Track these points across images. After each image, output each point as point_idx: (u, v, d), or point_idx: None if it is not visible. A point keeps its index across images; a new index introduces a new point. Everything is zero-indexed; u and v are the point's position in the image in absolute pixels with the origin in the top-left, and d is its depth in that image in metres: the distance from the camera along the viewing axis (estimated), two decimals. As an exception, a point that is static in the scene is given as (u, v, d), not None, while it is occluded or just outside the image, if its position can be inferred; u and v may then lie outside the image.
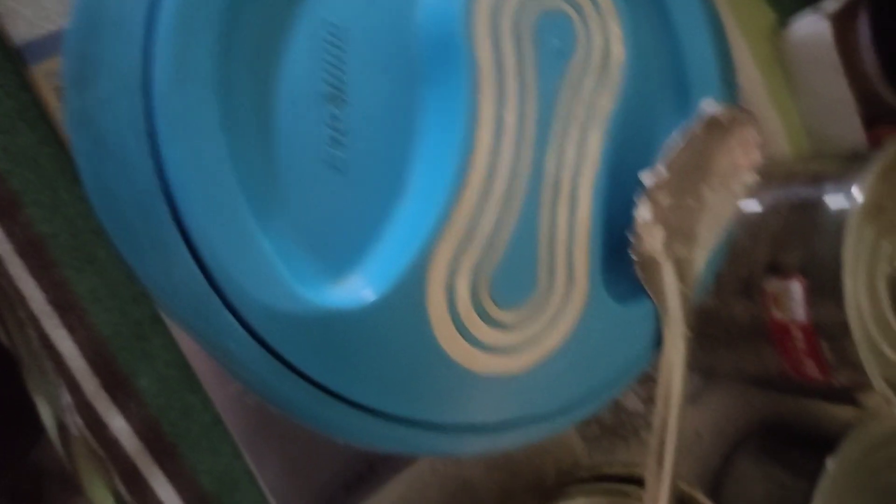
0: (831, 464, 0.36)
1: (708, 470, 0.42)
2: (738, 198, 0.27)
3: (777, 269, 0.34)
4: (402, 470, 0.35)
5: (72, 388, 0.30)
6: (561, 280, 0.23)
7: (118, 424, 0.30)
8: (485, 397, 0.23)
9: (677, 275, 0.26)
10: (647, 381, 0.40)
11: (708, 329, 0.38)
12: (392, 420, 0.22)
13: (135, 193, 0.19)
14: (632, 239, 0.24)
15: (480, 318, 0.22)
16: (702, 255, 0.27)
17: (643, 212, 0.24)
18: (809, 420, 0.44)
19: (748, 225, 0.36)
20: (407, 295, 0.21)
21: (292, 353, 0.20)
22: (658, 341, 0.26)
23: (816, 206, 0.33)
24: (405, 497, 0.35)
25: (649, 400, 0.41)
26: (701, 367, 0.42)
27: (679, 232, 0.25)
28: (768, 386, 0.41)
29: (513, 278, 0.23)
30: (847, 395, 0.36)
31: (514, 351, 0.23)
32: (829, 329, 0.32)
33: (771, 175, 0.37)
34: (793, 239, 0.33)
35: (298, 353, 0.20)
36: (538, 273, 0.23)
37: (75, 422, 0.30)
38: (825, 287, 0.32)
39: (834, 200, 0.32)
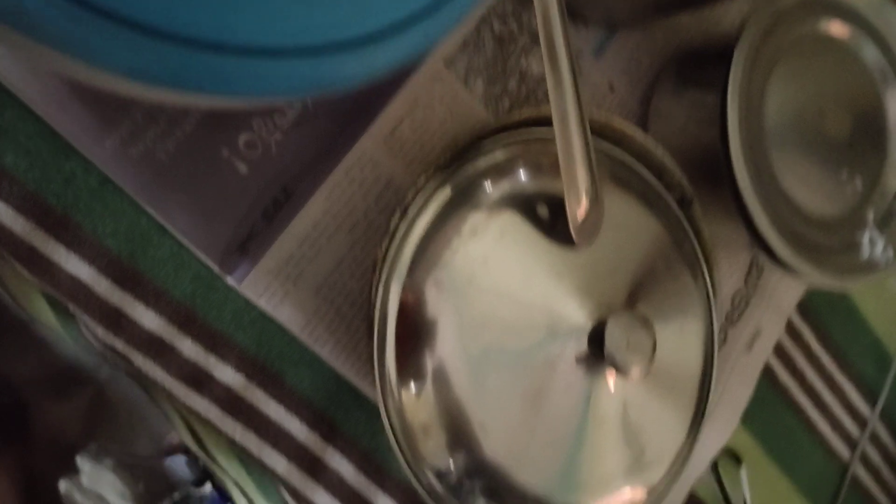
0: (737, 56, 0.35)
1: (629, 118, 0.42)
2: None
3: None
4: (318, 185, 0.33)
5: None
6: None
7: (-4, 208, 0.28)
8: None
9: None
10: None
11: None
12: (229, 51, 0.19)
13: None
14: None
15: None
16: None
17: None
18: (716, 37, 0.43)
19: None
20: None
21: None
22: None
23: None
24: (329, 211, 0.33)
25: (553, 61, 0.39)
26: (592, 18, 0.40)
27: None
28: (657, 12, 0.39)
29: None
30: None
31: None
32: None
33: None
34: None
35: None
36: None
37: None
38: None
39: None
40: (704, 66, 0.41)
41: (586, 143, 0.30)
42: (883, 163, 0.40)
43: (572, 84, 0.29)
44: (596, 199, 0.31)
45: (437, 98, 0.35)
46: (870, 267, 0.40)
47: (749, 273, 0.45)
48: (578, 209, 0.30)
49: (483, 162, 0.31)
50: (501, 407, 0.30)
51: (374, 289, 0.29)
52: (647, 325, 0.30)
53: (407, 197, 0.30)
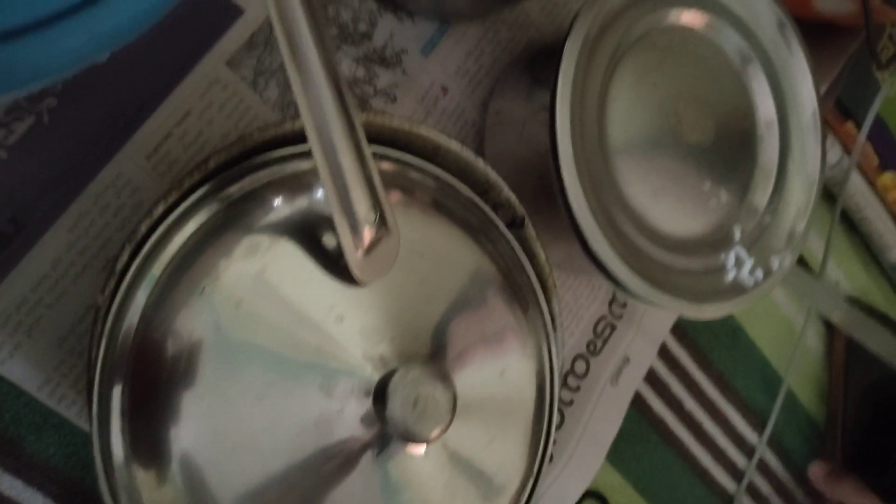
0: (568, 49, 0.30)
1: (465, 125, 0.36)
2: None
3: None
4: (59, 214, 0.27)
5: None
6: None
7: None
8: None
9: None
10: (361, 38, 0.32)
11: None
12: None
13: None
14: None
15: None
16: None
17: None
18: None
19: None
20: None
21: None
22: None
23: None
24: (75, 245, 0.28)
25: (370, 59, 0.34)
26: (421, 8, 0.35)
27: None
28: (494, 3, 0.34)
29: None
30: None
31: None
32: None
33: None
34: None
35: None
36: None
37: None
38: None
39: None
40: (553, 62, 0.36)
41: (362, 161, 0.24)
42: (751, 172, 0.36)
43: (329, 82, 0.23)
44: (385, 227, 0.26)
45: (217, 106, 0.30)
46: (736, 291, 0.35)
47: (614, 298, 0.40)
48: (358, 240, 0.25)
49: (265, 174, 0.26)
50: (273, 493, 0.25)
51: (92, 344, 0.24)
52: (442, 378, 0.25)
53: (146, 220, 0.24)
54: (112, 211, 0.28)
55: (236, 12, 0.30)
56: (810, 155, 0.35)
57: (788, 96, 0.35)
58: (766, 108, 0.35)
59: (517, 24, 0.37)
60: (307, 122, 0.23)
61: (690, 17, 0.34)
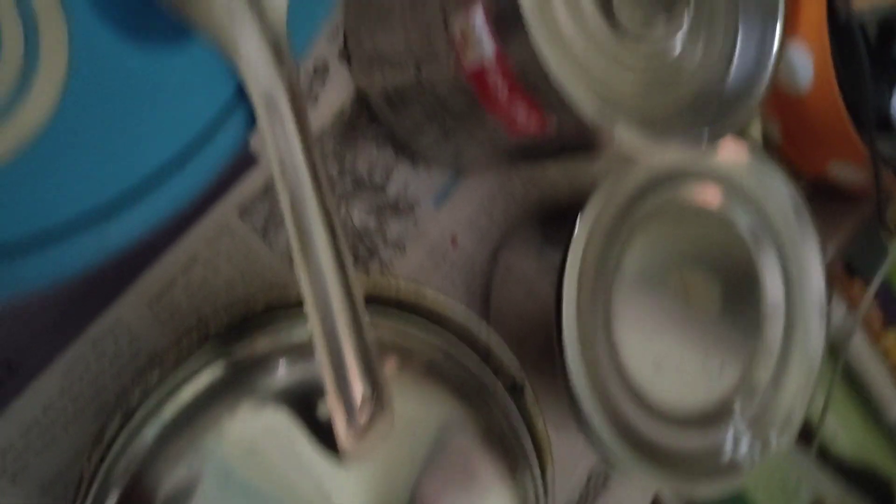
0: (580, 223, 0.30)
1: (474, 277, 0.36)
2: None
3: (458, 1, 0.26)
4: (53, 359, 0.27)
5: None
6: (8, 22, 0.15)
7: None
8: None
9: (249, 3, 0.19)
10: (376, 189, 0.33)
11: (415, 111, 0.31)
12: None
13: None
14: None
15: None
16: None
17: None
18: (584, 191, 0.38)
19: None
20: None
21: None
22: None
23: None
24: (68, 391, 0.27)
25: (382, 210, 0.34)
26: (436, 160, 0.35)
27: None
28: (509, 160, 0.34)
29: None
30: (589, 143, 0.29)
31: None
32: (520, 58, 0.25)
33: None
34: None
35: None
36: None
37: None
38: (507, 7, 0.25)
39: None
40: (565, 222, 0.36)
41: (362, 342, 0.24)
42: (755, 348, 0.35)
43: (331, 249, 0.23)
44: (379, 403, 0.25)
45: (225, 255, 0.30)
46: (732, 467, 0.34)
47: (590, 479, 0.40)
48: (352, 423, 0.25)
49: (265, 342, 0.26)
50: None
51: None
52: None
53: (139, 385, 0.24)
54: (108, 358, 0.28)
55: (251, 161, 0.30)
56: (814, 337, 0.35)
57: (797, 279, 0.35)
58: (774, 287, 0.35)
59: (532, 180, 0.37)
60: (307, 300, 0.23)
61: (706, 193, 0.34)
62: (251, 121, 0.19)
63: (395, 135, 0.34)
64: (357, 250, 0.33)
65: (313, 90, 0.32)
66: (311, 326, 0.23)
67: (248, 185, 0.30)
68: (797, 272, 0.35)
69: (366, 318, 0.24)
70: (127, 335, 0.28)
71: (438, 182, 0.35)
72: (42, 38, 0.15)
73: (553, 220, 0.37)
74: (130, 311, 0.28)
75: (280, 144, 0.19)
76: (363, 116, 0.33)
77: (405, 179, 0.34)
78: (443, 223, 0.35)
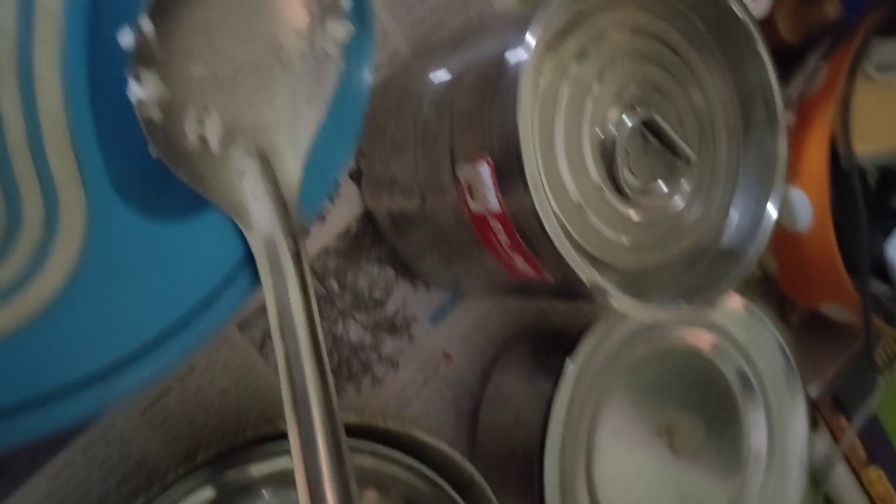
0: (570, 364, 0.31)
1: (464, 393, 0.37)
2: (328, 59, 0.20)
3: (466, 151, 0.27)
4: (42, 463, 0.28)
5: None
6: (31, 199, 0.16)
7: None
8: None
9: (262, 172, 0.20)
10: (375, 305, 0.33)
11: (419, 237, 0.32)
12: None
13: None
14: (145, 130, 0.17)
15: None
16: (296, 140, 0.20)
17: (135, 89, 0.17)
18: (578, 322, 0.39)
19: (436, 100, 0.29)
20: None
21: None
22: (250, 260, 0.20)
23: (499, 64, 0.26)
24: (53, 495, 0.28)
25: (380, 326, 0.34)
26: (436, 282, 0.36)
27: (230, 110, 0.18)
28: (506, 292, 0.35)
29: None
30: (584, 295, 0.30)
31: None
32: (522, 216, 0.26)
33: (468, 32, 0.31)
34: (477, 109, 0.27)
35: None
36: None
37: None
38: (511, 164, 0.26)
39: (514, 54, 0.26)
40: (558, 351, 0.36)
41: (345, 489, 0.25)
42: (735, 495, 0.36)
43: (323, 406, 0.23)
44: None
45: (222, 365, 0.30)
46: None
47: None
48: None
49: (254, 470, 0.26)
50: None
51: None
52: None
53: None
54: (97, 463, 0.28)
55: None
56: (792, 488, 0.35)
57: (780, 429, 0.35)
58: (757, 433, 0.35)
59: (526, 304, 0.38)
60: (294, 451, 0.23)
61: (697, 338, 0.35)
62: (255, 281, 0.20)
63: (397, 255, 0.34)
64: (351, 365, 0.34)
65: (323, 206, 0.33)
66: (297, 478, 0.23)
67: (250, 301, 0.31)
68: (781, 422, 0.35)
69: (351, 467, 0.24)
70: (118, 440, 0.28)
71: (437, 301, 0.36)
72: (61, 215, 0.16)
73: (545, 345, 0.37)
74: (124, 417, 0.29)
75: (283, 312, 0.19)
76: (368, 235, 0.34)
77: (404, 297, 0.35)
78: (438, 339, 0.36)
